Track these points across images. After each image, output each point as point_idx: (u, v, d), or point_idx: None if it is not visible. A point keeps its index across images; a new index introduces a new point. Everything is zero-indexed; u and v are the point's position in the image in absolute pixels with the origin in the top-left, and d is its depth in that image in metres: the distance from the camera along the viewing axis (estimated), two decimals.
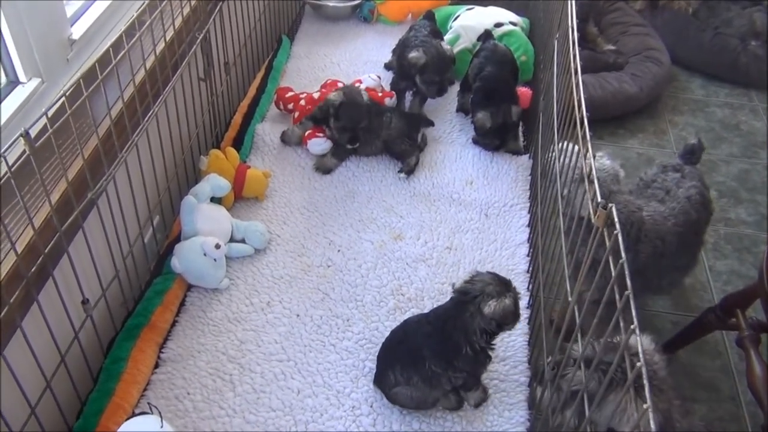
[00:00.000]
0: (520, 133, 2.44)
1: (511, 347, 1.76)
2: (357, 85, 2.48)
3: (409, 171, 2.23)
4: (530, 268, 1.97)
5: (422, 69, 2.28)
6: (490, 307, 1.45)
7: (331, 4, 3.06)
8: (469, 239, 2.05)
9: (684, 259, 2.07)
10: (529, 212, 2.15)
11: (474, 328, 1.48)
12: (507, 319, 1.48)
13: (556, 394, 1.32)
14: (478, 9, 2.90)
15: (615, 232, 1.04)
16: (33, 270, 1.29)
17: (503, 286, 1.49)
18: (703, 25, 3.59)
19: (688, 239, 2.00)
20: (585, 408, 1.15)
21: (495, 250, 2.03)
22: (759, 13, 3.58)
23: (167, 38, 1.79)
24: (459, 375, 1.54)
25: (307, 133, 2.24)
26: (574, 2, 1.73)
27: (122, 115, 1.57)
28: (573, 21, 1.69)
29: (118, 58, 1.45)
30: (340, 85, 2.49)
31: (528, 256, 2.01)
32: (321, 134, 2.23)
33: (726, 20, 3.57)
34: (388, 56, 2.77)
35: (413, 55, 2.27)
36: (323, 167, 2.23)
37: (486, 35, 2.58)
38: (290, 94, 2.42)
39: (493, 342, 1.53)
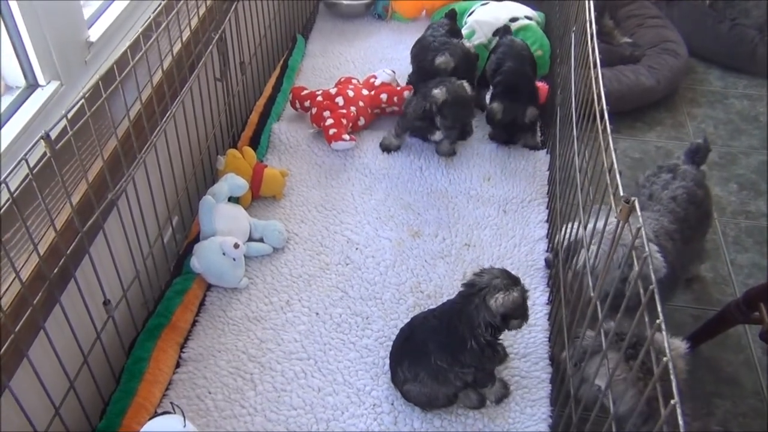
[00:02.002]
0: (538, 129, 2.42)
1: (532, 344, 1.74)
2: (372, 80, 2.49)
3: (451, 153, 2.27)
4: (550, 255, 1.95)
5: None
6: (498, 300, 1.43)
7: (345, 2, 3.06)
8: (487, 236, 2.04)
9: (686, 256, 2.02)
10: (547, 208, 2.14)
11: (479, 321, 1.47)
12: (514, 313, 1.46)
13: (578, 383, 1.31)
14: (492, 4, 2.88)
15: (638, 226, 1.02)
16: (55, 271, 1.30)
17: (511, 280, 1.48)
18: (720, 16, 3.55)
19: (680, 235, 1.96)
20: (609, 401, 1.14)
21: (514, 246, 2.02)
22: None
23: (183, 39, 1.79)
24: (466, 371, 1.52)
25: (332, 133, 2.25)
26: None
27: (140, 117, 1.57)
28: (591, 14, 1.68)
29: (136, 59, 1.45)
30: (354, 81, 2.49)
31: (547, 251, 2.00)
32: (347, 136, 2.25)
33: (743, 10, 3.53)
34: (403, 53, 2.76)
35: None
36: (389, 145, 2.26)
37: (504, 30, 2.56)
38: (306, 92, 2.42)
39: (499, 337, 1.52)
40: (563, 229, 1.72)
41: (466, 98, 2.14)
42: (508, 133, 2.33)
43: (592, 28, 1.57)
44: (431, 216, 2.09)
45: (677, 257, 1.85)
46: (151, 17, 1.55)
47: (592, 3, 1.69)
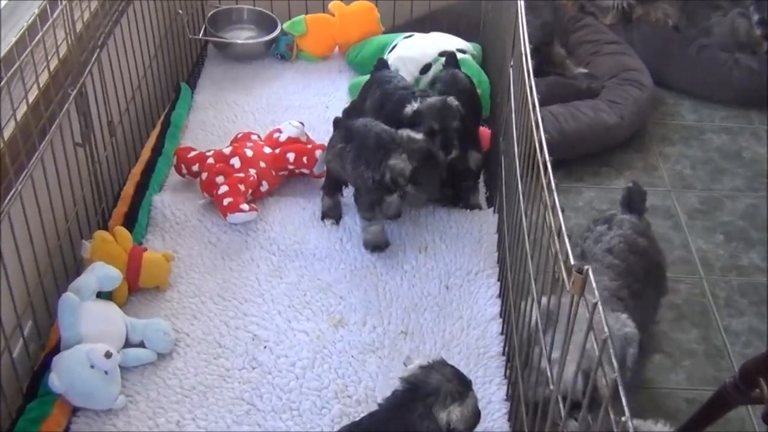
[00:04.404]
0: (482, 184, 2.49)
1: None
2: (276, 135, 2.51)
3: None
4: (505, 350, 1.97)
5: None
6: (452, 413, 1.44)
7: (239, 41, 3.11)
8: (428, 319, 2.05)
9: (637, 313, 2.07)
10: (498, 279, 2.17)
11: None
12: (468, 426, 1.47)
13: None
14: (418, 36, 2.97)
15: (594, 301, 1.05)
16: None
17: (464, 384, 1.49)
18: (687, 38, 3.74)
19: (629, 291, 2.02)
20: None
21: (461, 330, 2.03)
22: (741, 19, 3.74)
23: (30, 99, 1.79)
24: None
25: (227, 203, 2.24)
26: (524, 21, 1.79)
27: None
28: (526, 45, 1.74)
29: None
30: (254, 138, 2.51)
31: (502, 334, 2.02)
32: (246, 206, 2.24)
33: (705, 29, 3.72)
34: (312, 100, 2.80)
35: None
36: (378, 243, 2.23)
37: (449, 61, 2.61)
38: (194, 153, 2.43)
39: None
40: (519, 307, 1.74)
41: (427, 150, 2.16)
42: (448, 186, 2.37)
43: (528, 64, 1.62)
44: (357, 299, 2.09)
45: (632, 317, 1.89)
46: None
47: (525, 32, 1.75)
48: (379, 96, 2.46)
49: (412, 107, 2.28)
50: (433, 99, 2.30)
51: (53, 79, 1.92)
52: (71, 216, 2.08)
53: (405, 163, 2.09)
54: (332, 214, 2.34)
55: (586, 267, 1.11)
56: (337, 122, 2.31)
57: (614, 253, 2.03)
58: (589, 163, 3.30)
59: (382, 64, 2.64)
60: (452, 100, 2.28)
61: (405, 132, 2.17)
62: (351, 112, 2.59)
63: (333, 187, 2.32)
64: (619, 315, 1.85)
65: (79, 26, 2.07)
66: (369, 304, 2.08)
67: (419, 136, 2.17)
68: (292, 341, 1.98)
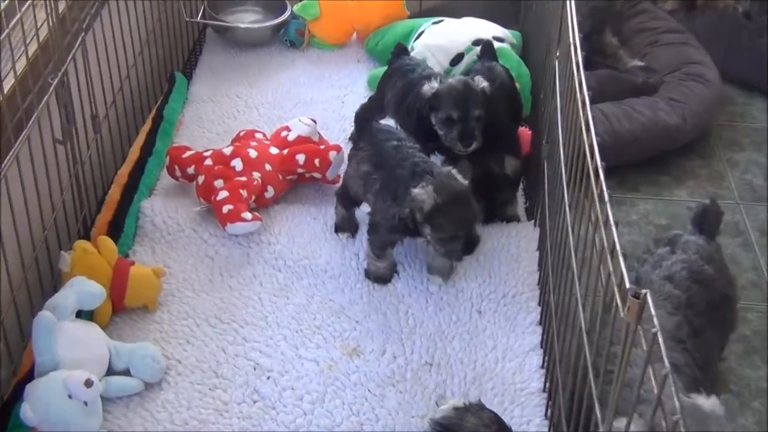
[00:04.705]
0: (520, 193, 2.49)
1: None
2: (284, 134, 2.50)
3: None
4: (546, 386, 1.95)
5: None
6: None
7: (242, 25, 3.11)
8: (456, 349, 2.04)
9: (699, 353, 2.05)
10: (539, 304, 2.16)
11: None
12: None
13: None
14: (449, 22, 2.98)
15: (653, 330, 1.04)
16: None
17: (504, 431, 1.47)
18: (759, 27, 3.69)
19: (690, 329, 2.00)
20: None
21: (495, 363, 2.02)
22: None
23: (5, 89, 1.79)
24: None
25: (227, 210, 2.24)
26: (572, 6, 1.78)
27: None
28: (575, 32, 1.72)
29: None
30: (259, 136, 2.50)
31: (542, 367, 2.00)
32: (248, 214, 2.24)
33: None
34: (326, 93, 2.79)
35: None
36: (384, 276, 2.21)
37: (485, 50, 2.60)
38: (189, 153, 2.42)
39: None
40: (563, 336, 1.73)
41: (463, 193, 2.05)
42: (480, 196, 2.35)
43: (577, 55, 1.61)
44: (375, 324, 2.09)
45: (690, 362, 1.87)
46: None
47: (575, 17, 1.75)
48: (401, 88, 2.46)
49: (431, 86, 2.27)
50: (454, 79, 2.29)
51: (32, 67, 1.92)
52: (49, 223, 2.08)
53: (429, 195, 2.02)
54: (347, 226, 2.34)
55: (644, 291, 1.10)
56: (361, 127, 2.28)
57: (674, 282, 2.00)
58: (645, 170, 3.25)
59: (401, 50, 2.63)
60: (479, 81, 2.27)
61: (447, 169, 2.12)
62: (369, 110, 2.49)
63: (349, 199, 2.32)
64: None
65: (61, 6, 2.07)
66: (389, 330, 2.08)
67: (464, 181, 2.08)
68: (300, 371, 1.97)
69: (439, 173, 2.08)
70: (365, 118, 2.29)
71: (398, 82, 2.48)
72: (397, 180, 2.10)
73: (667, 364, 1.05)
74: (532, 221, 2.40)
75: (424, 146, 2.25)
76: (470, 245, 2.08)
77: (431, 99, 2.27)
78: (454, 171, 2.09)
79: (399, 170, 2.11)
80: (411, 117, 2.36)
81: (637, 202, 3.12)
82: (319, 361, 2.00)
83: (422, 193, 2.02)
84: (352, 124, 2.36)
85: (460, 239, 2.05)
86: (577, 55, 1.68)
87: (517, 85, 2.70)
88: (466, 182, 2.07)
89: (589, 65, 2.99)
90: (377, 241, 2.19)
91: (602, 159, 1.39)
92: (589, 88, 1.59)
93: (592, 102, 1.55)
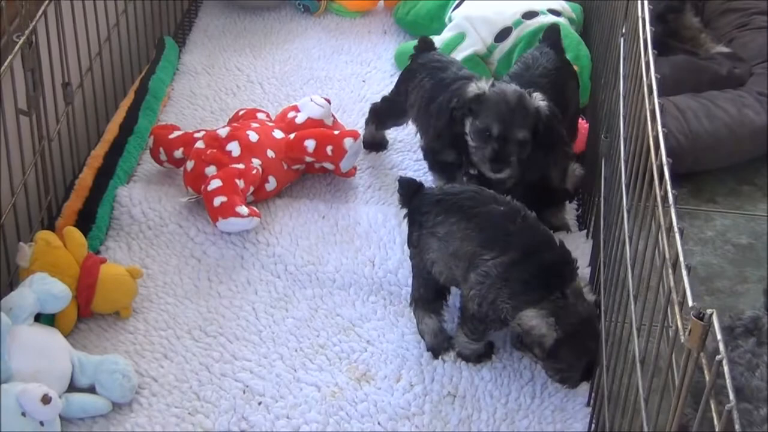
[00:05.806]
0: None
1: None
2: (291, 115, 2.48)
3: None
4: (592, 427, 1.92)
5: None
6: None
7: None
8: (485, 379, 2.03)
9: None
10: None
11: None
12: None
13: None
14: None
15: (719, 357, 1.02)
16: None
17: None
18: None
19: None
20: None
21: (531, 397, 2.01)
22: None
23: None
24: None
25: (219, 203, 2.21)
26: None
27: None
28: (645, 7, 1.68)
29: None
30: (261, 117, 2.48)
31: (588, 405, 1.96)
32: (245, 208, 2.21)
33: None
34: (344, 70, 2.77)
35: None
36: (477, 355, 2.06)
37: (549, 35, 2.50)
38: (177, 134, 2.41)
39: None
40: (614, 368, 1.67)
41: (590, 319, 1.93)
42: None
43: (646, 30, 1.56)
44: (389, 346, 2.09)
45: None
46: None
47: None
48: (430, 88, 2.38)
49: (479, 86, 2.18)
50: (509, 88, 2.18)
51: None
52: (7, 209, 2.06)
53: (549, 328, 1.89)
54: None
55: (709, 311, 1.07)
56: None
57: None
58: (726, 178, 3.16)
59: (427, 45, 2.53)
60: (536, 98, 2.16)
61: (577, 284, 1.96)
62: (383, 114, 2.53)
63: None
64: None
65: None
66: (406, 354, 2.07)
67: (590, 296, 1.96)
68: (298, 398, 1.96)
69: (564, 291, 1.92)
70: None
71: (426, 81, 2.40)
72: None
73: (732, 396, 1.03)
74: (584, 231, 2.38)
75: (443, 154, 2.27)
76: (590, 371, 1.97)
77: (473, 100, 2.17)
78: (585, 288, 1.95)
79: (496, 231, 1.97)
80: (441, 118, 2.28)
81: (713, 216, 2.99)
82: (321, 387, 1.99)
83: (540, 326, 1.90)
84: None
85: (580, 369, 1.97)
86: (646, 32, 1.64)
87: (576, 67, 2.66)
88: (593, 299, 1.95)
89: (664, 49, 2.90)
90: (479, 330, 2.03)
91: (673, 165, 1.35)
92: (660, 75, 1.54)
93: (665, 93, 1.54)
